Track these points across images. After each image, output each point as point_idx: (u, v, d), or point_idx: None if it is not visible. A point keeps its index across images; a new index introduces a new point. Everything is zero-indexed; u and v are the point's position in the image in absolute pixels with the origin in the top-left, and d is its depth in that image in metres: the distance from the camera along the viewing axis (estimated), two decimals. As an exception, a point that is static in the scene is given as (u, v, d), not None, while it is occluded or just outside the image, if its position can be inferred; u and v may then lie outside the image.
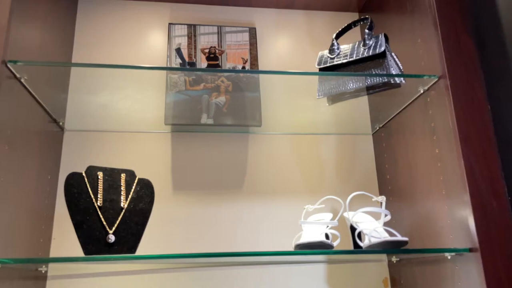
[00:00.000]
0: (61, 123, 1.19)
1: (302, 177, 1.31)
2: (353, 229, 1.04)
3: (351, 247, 1.08)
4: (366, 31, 1.08)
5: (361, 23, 1.15)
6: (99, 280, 1.11)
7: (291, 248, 1.08)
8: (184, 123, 1.24)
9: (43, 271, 1.06)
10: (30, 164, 1.00)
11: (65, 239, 1.14)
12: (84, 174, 0.95)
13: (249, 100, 1.27)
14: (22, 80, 0.94)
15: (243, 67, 1.33)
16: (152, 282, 1.14)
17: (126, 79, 1.13)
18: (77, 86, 1.20)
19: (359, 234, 1.01)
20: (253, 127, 1.28)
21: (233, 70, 1.32)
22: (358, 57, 1.06)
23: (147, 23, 1.38)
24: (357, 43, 1.10)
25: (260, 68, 1.37)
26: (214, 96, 1.26)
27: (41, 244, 1.08)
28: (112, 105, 1.19)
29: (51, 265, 1.07)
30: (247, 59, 1.35)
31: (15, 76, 0.92)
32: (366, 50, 1.06)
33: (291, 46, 1.44)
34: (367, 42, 1.07)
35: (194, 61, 1.31)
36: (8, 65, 0.89)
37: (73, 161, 1.21)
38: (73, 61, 1.29)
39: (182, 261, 1.14)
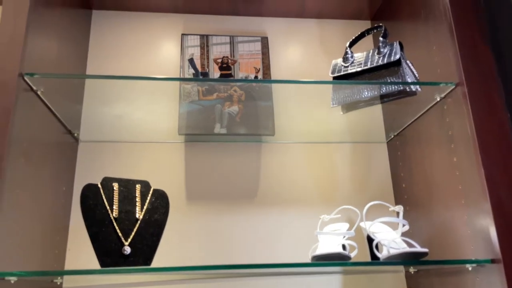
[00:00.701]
0: (76, 134, 1.20)
1: (316, 186, 1.29)
2: (370, 239, 1.02)
3: (367, 257, 1.06)
4: (381, 39, 1.07)
5: (375, 31, 1.14)
6: (114, 291, 1.11)
7: (307, 258, 1.06)
8: (197, 133, 1.24)
9: (58, 283, 1.06)
10: (45, 175, 1.01)
11: (80, 250, 1.14)
12: (99, 185, 0.95)
13: (262, 109, 1.27)
14: (39, 93, 0.95)
15: (256, 77, 1.33)
16: (166, 294, 1.13)
17: (139, 90, 1.14)
18: (92, 97, 1.21)
19: (377, 245, 0.99)
20: (266, 136, 1.28)
21: (246, 80, 1.31)
22: (372, 65, 1.06)
23: (160, 34, 1.39)
24: (371, 51, 1.10)
25: (273, 77, 1.37)
26: (227, 105, 1.26)
27: (56, 256, 1.08)
28: (126, 115, 1.20)
29: (66, 276, 1.07)
30: (259, 69, 1.35)
31: (31, 88, 0.93)
32: (381, 58, 1.05)
33: (303, 55, 1.43)
34: (382, 50, 1.06)
35: (207, 71, 1.31)
36: (25, 78, 0.90)
37: (88, 172, 1.22)
38: (88, 72, 1.30)
39: (197, 272, 1.13)
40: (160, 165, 1.26)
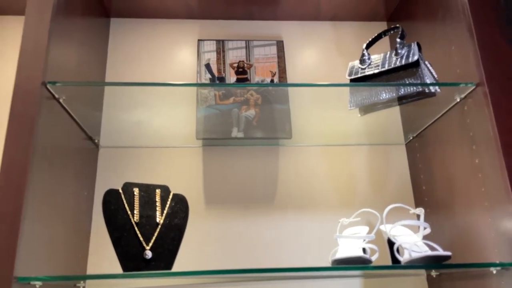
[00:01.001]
0: (96, 140, 1.22)
1: (334, 189, 1.29)
2: (390, 242, 1.01)
3: (387, 261, 1.05)
4: (398, 40, 1.06)
5: (392, 32, 1.13)
6: (135, 295, 1.12)
7: (325, 262, 1.06)
8: (215, 137, 1.25)
9: (81, 287, 1.07)
10: (67, 181, 1.03)
11: (101, 254, 1.15)
12: (121, 191, 0.97)
13: (278, 112, 1.27)
14: (61, 100, 0.97)
15: (272, 80, 1.33)
16: (186, 298, 1.14)
17: (157, 96, 1.15)
18: (111, 104, 1.22)
19: (397, 248, 0.98)
20: (283, 139, 1.28)
21: (262, 84, 1.32)
22: (390, 67, 1.05)
23: (177, 40, 1.40)
24: (388, 52, 1.09)
25: (289, 80, 1.37)
26: (244, 109, 1.26)
27: (78, 260, 1.10)
28: (144, 121, 1.21)
29: (88, 280, 1.08)
30: (275, 72, 1.35)
31: (54, 96, 0.95)
32: (399, 59, 1.04)
33: (319, 57, 1.43)
34: (399, 51, 1.05)
35: (223, 75, 1.32)
36: (48, 86, 0.92)
37: (108, 176, 1.24)
38: (107, 79, 1.33)
39: (217, 276, 1.14)
40: (178, 170, 1.27)
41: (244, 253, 1.20)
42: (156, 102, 1.17)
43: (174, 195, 1.01)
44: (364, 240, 0.99)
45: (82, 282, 1.05)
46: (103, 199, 0.94)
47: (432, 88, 1.01)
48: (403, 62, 1.03)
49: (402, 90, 1.03)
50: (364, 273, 1.19)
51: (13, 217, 0.80)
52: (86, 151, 1.17)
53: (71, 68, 1.05)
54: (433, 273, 1.16)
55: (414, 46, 1.04)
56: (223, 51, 1.36)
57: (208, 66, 1.32)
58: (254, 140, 1.28)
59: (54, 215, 0.95)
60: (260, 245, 1.21)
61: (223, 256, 1.19)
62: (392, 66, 1.05)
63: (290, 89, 1.27)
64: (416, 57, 1.02)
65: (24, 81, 0.89)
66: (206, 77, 1.31)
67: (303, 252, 1.21)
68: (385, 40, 1.44)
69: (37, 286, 0.84)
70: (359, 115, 1.16)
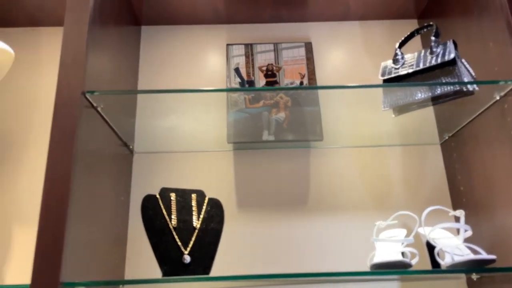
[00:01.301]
0: (131, 146, 1.25)
1: (368, 191, 1.27)
2: (430, 246, 0.99)
3: (425, 263, 1.03)
4: (432, 38, 1.04)
5: (425, 30, 1.11)
6: (172, 299, 1.13)
7: (361, 265, 1.05)
8: (246, 141, 1.25)
9: (120, 291, 1.10)
10: (105, 186, 1.05)
11: (138, 259, 1.17)
12: (158, 196, 0.98)
13: (309, 114, 1.26)
14: (99, 109, 0.99)
15: (301, 82, 1.33)
16: (222, 301, 1.14)
17: (189, 101, 1.16)
18: (144, 110, 1.25)
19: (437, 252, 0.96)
20: (315, 141, 1.27)
21: (292, 87, 1.31)
22: (425, 66, 1.03)
23: (206, 45, 1.42)
24: (422, 51, 1.07)
25: (318, 82, 1.36)
26: (274, 112, 1.26)
27: (116, 265, 1.12)
28: (176, 126, 1.23)
29: (127, 286, 1.10)
30: (304, 74, 1.34)
31: (92, 105, 0.98)
32: (434, 58, 1.02)
33: (348, 58, 1.42)
34: (434, 49, 1.03)
35: (253, 79, 1.32)
36: (87, 96, 0.95)
37: (143, 181, 1.26)
38: (139, 87, 1.35)
39: (252, 280, 1.14)
40: (210, 174, 1.28)
41: (278, 256, 1.20)
42: (188, 108, 1.18)
43: (209, 199, 1.01)
44: (403, 244, 0.98)
45: (121, 286, 1.07)
46: (142, 205, 0.96)
47: (470, 87, 0.99)
48: (439, 60, 1.01)
49: (439, 89, 1.01)
50: (402, 277, 1.17)
51: (58, 223, 0.82)
52: (121, 157, 1.19)
53: (106, 77, 1.08)
54: (474, 276, 1.13)
55: (450, 44, 1.01)
56: (252, 54, 1.37)
57: (237, 70, 1.32)
58: (285, 143, 1.28)
59: (94, 221, 0.97)
60: (294, 249, 1.21)
61: (256, 260, 1.19)
62: (428, 65, 1.02)
63: (320, 90, 1.27)
64: (452, 55, 0.99)
65: (64, 91, 0.91)
66: (235, 81, 1.32)
67: (338, 255, 1.20)
68: (416, 39, 1.41)
69: (80, 290, 0.86)
70: (393, 115, 1.14)
